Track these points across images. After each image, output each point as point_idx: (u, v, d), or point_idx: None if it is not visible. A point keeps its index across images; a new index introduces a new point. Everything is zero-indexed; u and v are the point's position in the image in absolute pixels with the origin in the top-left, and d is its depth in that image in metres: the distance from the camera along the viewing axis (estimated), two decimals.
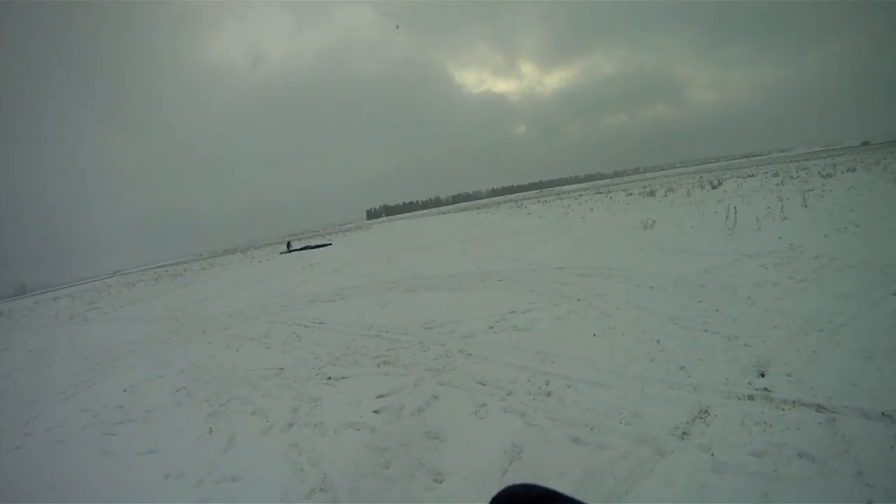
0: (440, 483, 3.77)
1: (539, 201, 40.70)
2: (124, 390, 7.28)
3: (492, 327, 7.00)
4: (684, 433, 3.76)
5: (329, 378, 6.21)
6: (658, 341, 5.49)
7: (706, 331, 5.55)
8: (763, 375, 4.39)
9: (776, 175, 23.09)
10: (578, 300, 7.66)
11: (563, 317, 6.96)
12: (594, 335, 6.01)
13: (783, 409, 3.83)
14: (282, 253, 35.70)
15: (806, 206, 12.60)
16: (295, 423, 5.14)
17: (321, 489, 3.95)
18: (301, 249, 35.24)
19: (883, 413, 3.52)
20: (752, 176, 25.40)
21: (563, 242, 14.55)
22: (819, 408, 3.75)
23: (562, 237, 15.83)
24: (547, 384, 4.92)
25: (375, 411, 5.06)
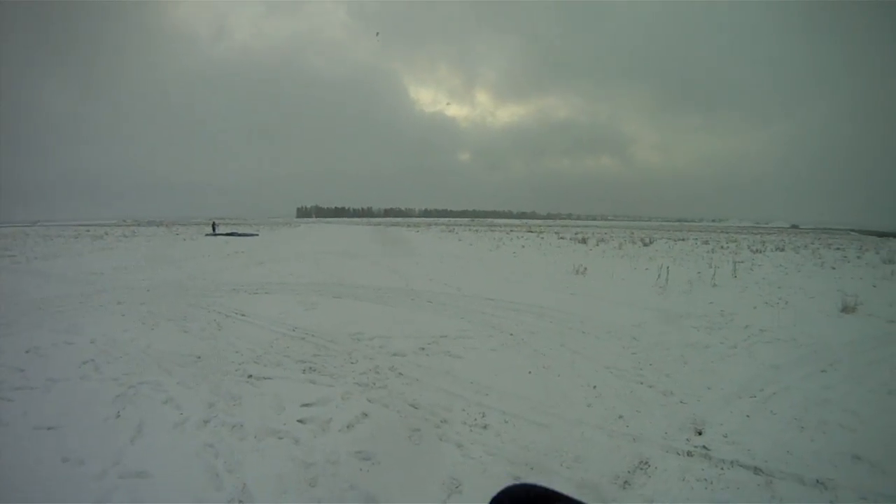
0: None
1: (471, 230, 41.16)
2: (27, 351, 6.62)
3: (423, 349, 6.81)
4: (626, 482, 3.67)
5: (250, 376, 5.83)
6: (594, 387, 5.42)
7: (641, 383, 5.54)
8: (700, 433, 4.37)
9: (706, 243, 23.98)
10: (511, 335, 7.57)
11: (497, 349, 6.86)
12: (529, 372, 5.91)
13: (722, 469, 3.82)
14: (206, 234, 34.83)
15: (735, 277, 13.06)
16: (211, 421, 4.73)
17: (240, 501, 3.58)
18: (227, 234, 34.52)
19: (818, 481, 3.60)
20: (684, 240, 26.31)
21: (494, 274, 14.63)
22: (757, 470, 3.77)
23: (493, 268, 15.95)
24: (483, 416, 4.75)
25: (300, 420, 4.73)
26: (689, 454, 4.02)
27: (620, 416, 4.72)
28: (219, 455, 4.13)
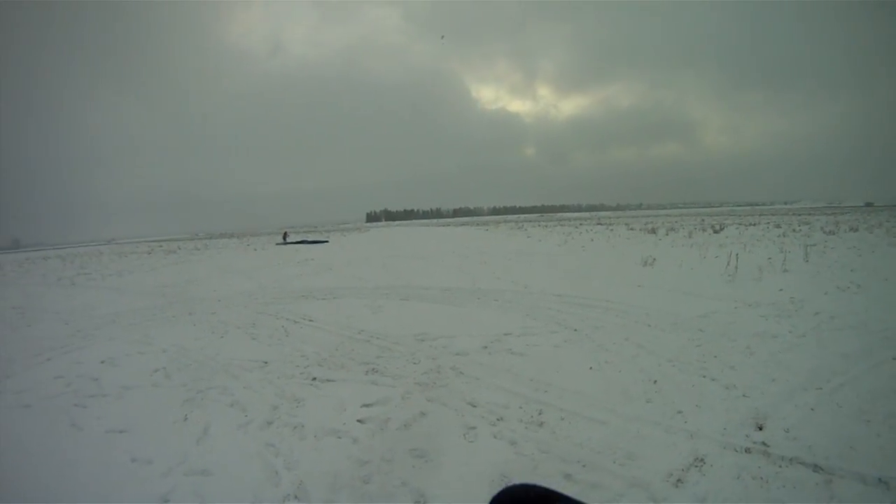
0: None
1: (539, 225, 40.68)
2: (102, 362, 7.09)
3: (486, 347, 6.88)
4: (679, 481, 3.66)
5: (314, 379, 6.06)
6: (655, 382, 5.38)
7: (704, 376, 5.45)
8: (761, 429, 4.29)
9: (778, 227, 23.09)
10: (575, 330, 7.55)
11: (560, 345, 6.86)
12: (590, 368, 5.90)
13: (780, 466, 3.74)
14: (277, 244, 35.47)
15: (807, 261, 12.56)
16: (274, 422, 4.99)
17: (296, 497, 3.79)
18: (297, 243, 35.06)
19: (880, 479, 3.45)
20: (755, 225, 25.37)
21: (561, 269, 14.50)
22: (816, 468, 3.66)
23: (561, 264, 15.79)
24: (540, 413, 4.80)
25: (360, 420, 4.92)
26: (748, 451, 3.96)
27: (679, 412, 4.68)
28: (279, 454, 4.37)
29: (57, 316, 10.70)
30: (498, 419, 4.75)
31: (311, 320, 9.14)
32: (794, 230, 20.66)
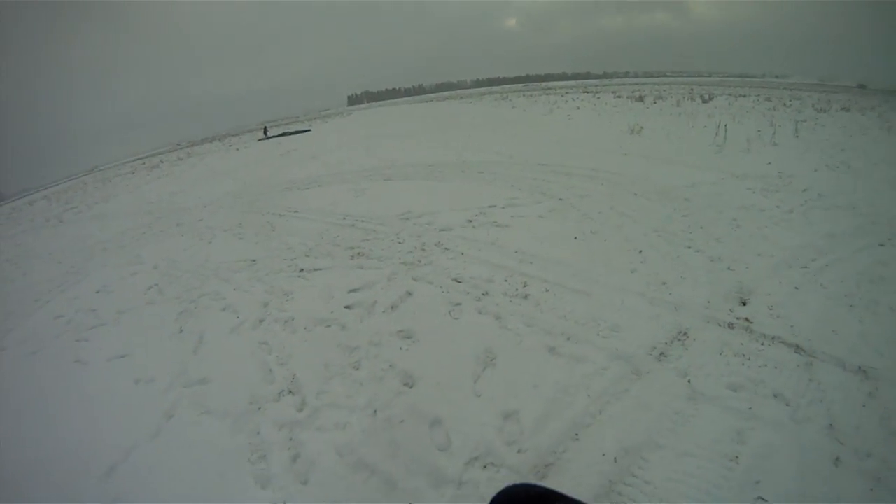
0: (410, 388, 3.67)
1: (524, 95, 39.71)
2: (97, 292, 6.96)
3: (470, 221, 6.80)
4: (662, 354, 3.69)
5: (301, 270, 6.03)
6: (640, 252, 5.36)
7: (689, 247, 5.42)
8: (745, 304, 4.29)
9: (769, 100, 22.56)
10: (560, 199, 7.45)
11: (544, 215, 6.78)
12: (575, 238, 5.86)
13: (762, 344, 3.76)
14: (259, 139, 34.38)
15: (797, 136, 12.25)
16: (265, 319, 5.00)
17: (290, 391, 3.84)
18: (279, 136, 33.95)
19: (860, 367, 3.47)
20: (745, 96, 24.80)
21: (547, 139, 14.12)
22: (798, 349, 3.68)
23: (546, 133, 15.37)
24: (524, 286, 4.80)
25: (347, 307, 4.91)
26: (731, 326, 3.98)
27: (664, 283, 4.68)
28: (271, 351, 4.42)
29: (50, 258, 10.31)
30: (483, 294, 4.74)
31: (295, 212, 8.97)
32: (784, 104, 20.18)
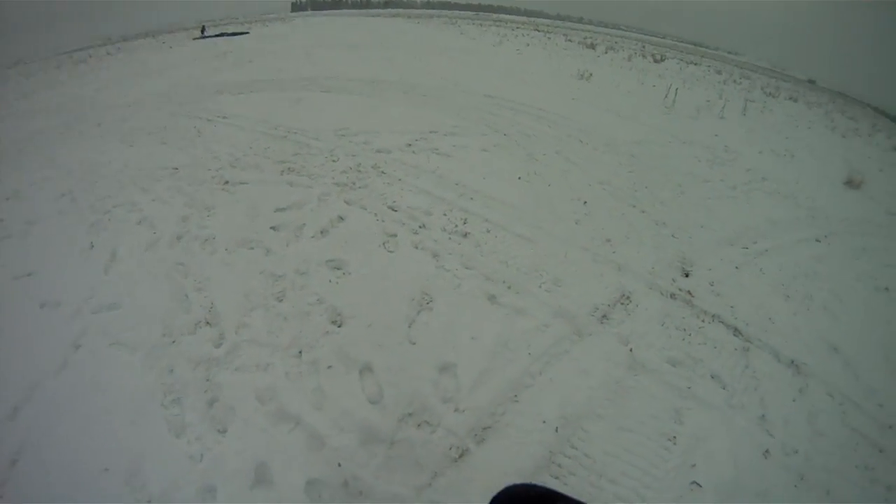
0: (339, 327, 3.34)
1: (474, 24, 38.60)
2: (7, 199, 6.07)
3: (410, 145, 6.36)
4: (604, 317, 3.53)
5: (226, 182, 5.48)
6: (585, 203, 5.14)
7: (634, 206, 5.24)
8: (687, 276, 4.18)
9: (719, 73, 22.59)
10: (505, 135, 7.12)
11: (489, 149, 6.43)
12: (519, 178, 5.57)
13: (703, 321, 3.68)
14: (195, 38, 32.41)
15: (745, 115, 12.26)
16: (183, 237, 4.48)
17: (207, 323, 3.43)
18: (216, 36, 32.10)
19: (793, 361, 3.47)
20: (696, 64, 24.73)
21: (494, 70, 13.50)
22: (736, 332, 3.64)
23: (494, 65, 14.78)
24: (465, 223, 4.49)
25: (273, 227, 4.47)
26: (673, 296, 3.86)
27: (608, 240, 4.49)
28: (188, 274, 3.96)
29: None
30: (420, 227, 4.40)
31: (224, 117, 8.19)
32: (735, 81, 20.25)
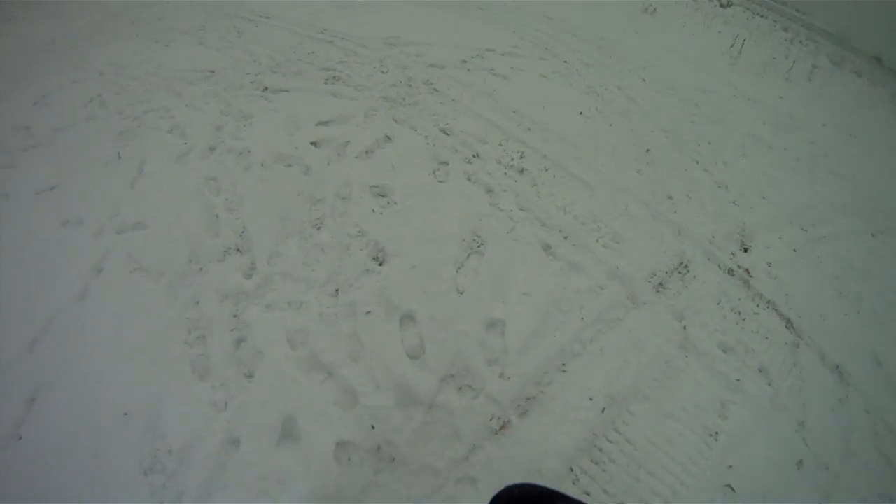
0: (380, 265, 3.12)
1: None
2: (35, 104, 5.67)
3: (465, 62, 5.94)
4: (661, 285, 3.31)
5: (265, 89, 5.13)
6: (648, 151, 4.81)
7: (697, 162, 4.91)
8: (746, 251, 3.90)
9: (786, 30, 21.38)
10: (565, 62, 6.63)
11: (548, 76, 6.01)
12: (580, 113, 5.21)
13: (758, 305, 3.44)
14: None
15: (810, 81, 11.65)
16: (217, 147, 4.19)
17: (237, 249, 3.21)
18: None
19: (837, 367, 3.25)
20: (763, 17, 23.60)
21: None
22: (789, 324, 3.39)
23: None
24: (521, 157, 4.19)
25: (314, 143, 4.15)
26: (731, 273, 3.61)
27: (670, 198, 4.19)
28: (220, 191, 3.70)
29: None
30: (473, 156, 4.11)
31: (268, 17, 7.62)
32: (801, 42, 19.31)
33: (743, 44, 11.80)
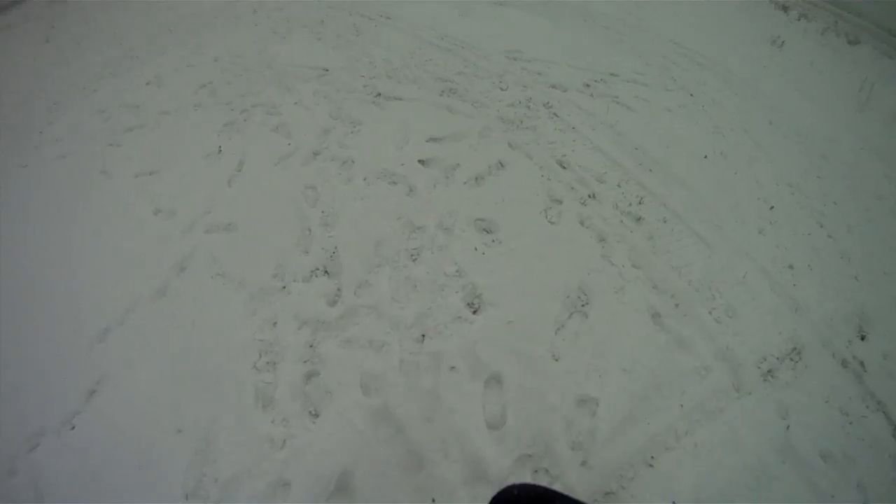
0: (474, 314, 3.02)
1: None
2: (147, 83, 5.94)
3: (588, 86, 5.75)
4: (770, 373, 3.09)
5: (378, 95, 5.08)
6: (772, 208, 4.51)
7: (822, 226, 4.56)
8: (863, 339, 3.59)
9: None
10: (691, 95, 6.36)
11: (673, 110, 5.78)
12: (705, 157, 4.95)
13: (868, 407, 3.14)
14: None
15: None
16: (321, 153, 4.19)
17: (325, 271, 3.20)
18: None
19: None
20: (891, 58, 22.01)
21: (682, 11, 12.31)
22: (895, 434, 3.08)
23: (683, 5, 13.65)
24: (640, 203, 4.02)
25: (422, 161, 4.09)
26: (845, 365, 3.33)
27: (791, 266, 3.91)
28: (317, 201, 3.71)
29: (113, 36, 9.02)
30: (589, 196, 3.96)
31: (388, 17, 7.59)
32: None
33: (872, 88, 11.09)
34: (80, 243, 3.68)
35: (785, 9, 22.00)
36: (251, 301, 3.09)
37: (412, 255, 3.35)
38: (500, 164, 4.19)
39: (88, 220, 3.91)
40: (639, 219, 3.88)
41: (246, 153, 4.37)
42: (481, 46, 6.51)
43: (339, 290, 3.13)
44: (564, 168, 4.23)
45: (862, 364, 3.39)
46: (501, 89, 5.39)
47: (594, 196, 3.99)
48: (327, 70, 5.75)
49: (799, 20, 20.05)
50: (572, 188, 4.03)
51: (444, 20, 7.61)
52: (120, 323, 3.02)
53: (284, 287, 3.16)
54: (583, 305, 3.17)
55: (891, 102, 11.12)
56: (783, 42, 12.40)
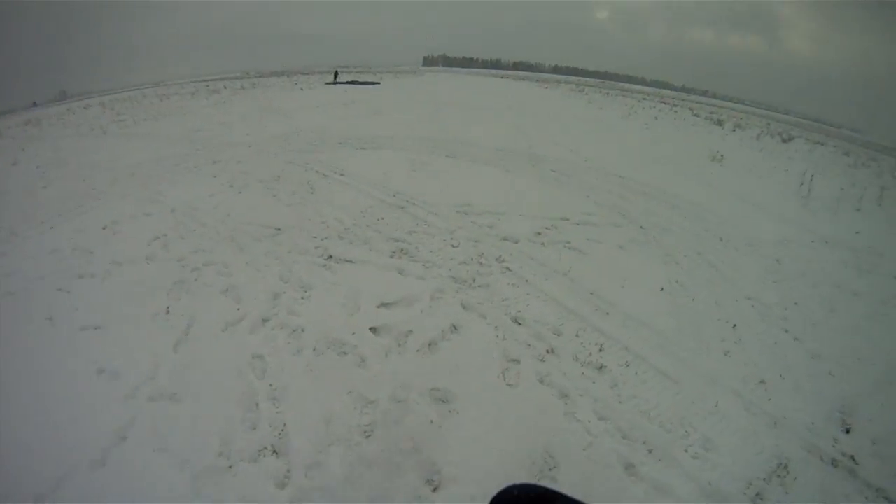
0: (434, 491, 2.89)
1: (601, 92, 38.36)
2: (104, 228, 6.37)
3: (539, 234, 6.06)
4: (758, 496, 3.03)
5: (330, 258, 5.31)
6: (734, 327, 4.60)
7: (787, 331, 4.65)
8: (848, 432, 3.59)
9: (847, 154, 20.82)
10: (642, 227, 6.69)
11: (625, 246, 6.02)
12: (661, 289, 5.10)
13: (866, 498, 3.08)
14: (327, 83, 33.76)
15: (881, 206, 11.20)
16: (270, 320, 4.28)
17: (274, 451, 3.12)
18: (347, 83, 33.27)
19: None
20: (823, 145, 23.19)
21: (623, 146, 13.17)
22: None
23: (623, 140, 14.32)
24: (600, 350, 4.08)
25: (373, 329, 4.15)
26: (834, 464, 3.31)
27: (762, 382, 3.94)
28: (265, 373, 3.70)
29: (77, 172, 9.70)
30: (547, 351, 4.02)
31: (341, 174, 8.23)
32: (864, 164, 18.84)
33: (811, 179, 11.65)
34: (14, 397, 3.59)
35: (720, 123, 23.39)
36: (195, 481, 2.92)
37: (365, 432, 3.23)
38: (454, 327, 4.24)
39: (27, 371, 3.83)
40: (601, 367, 3.91)
41: (194, 317, 4.38)
42: (433, 202, 6.85)
43: (288, 471, 2.98)
44: (520, 324, 4.31)
45: (853, 458, 3.37)
46: (453, 246, 5.60)
47: (552, 351, 4.04)
48: (280, 229, 5.99)
49: (734, 131, 21.38)
50: (529, 345, 4.08)
51: (397, 175, 8.10)
52: (54, 490, 2.85)
53: (231, 467, 3.01)
54: (550, 469, 3.03)
55: (831, 188, 11.68)
56: (722, 156, 13.19)
